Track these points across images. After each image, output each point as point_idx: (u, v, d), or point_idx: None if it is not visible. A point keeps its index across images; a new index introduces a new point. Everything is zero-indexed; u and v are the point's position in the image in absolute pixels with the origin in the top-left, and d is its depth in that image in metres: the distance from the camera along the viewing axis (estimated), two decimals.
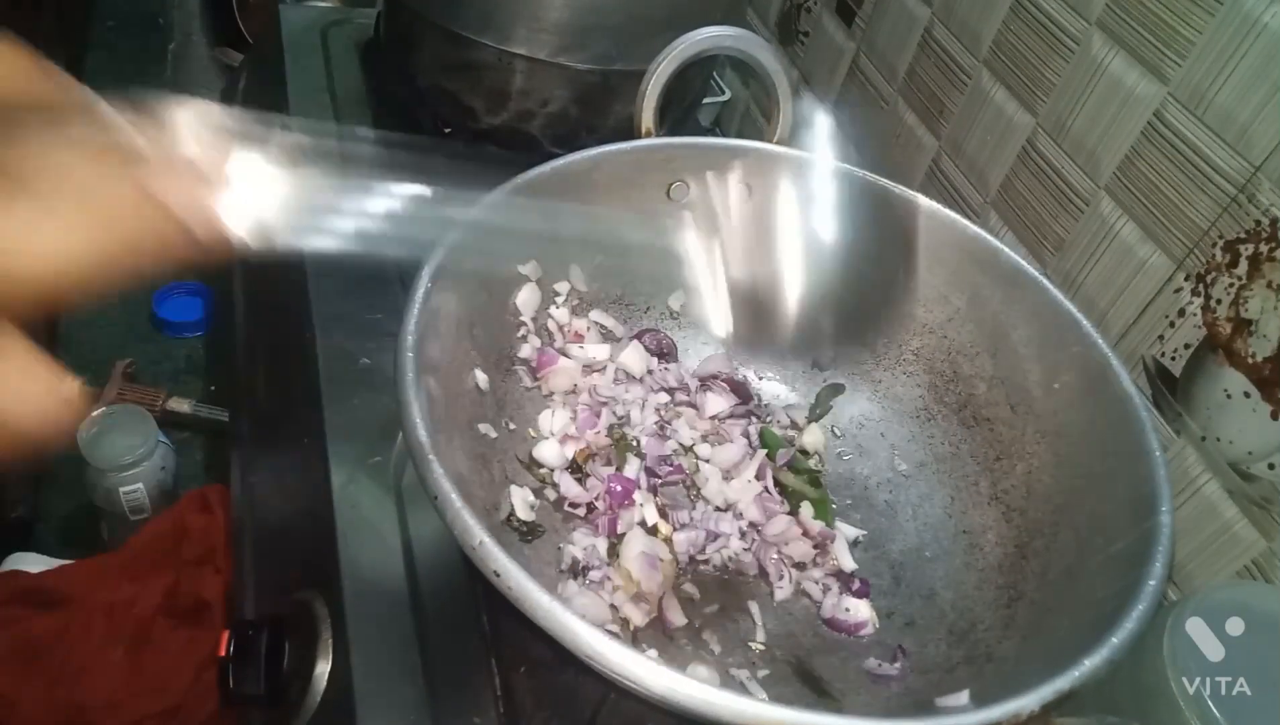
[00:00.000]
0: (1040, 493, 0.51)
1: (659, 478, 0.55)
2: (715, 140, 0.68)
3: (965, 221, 0.57)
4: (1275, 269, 0.47)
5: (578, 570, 0.49)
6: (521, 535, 0.49)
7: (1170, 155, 0.53)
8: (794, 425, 0.60)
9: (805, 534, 0.54)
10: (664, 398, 0.58)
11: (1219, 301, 0.50)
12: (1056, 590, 0.46)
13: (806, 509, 0.55)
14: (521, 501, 0.49)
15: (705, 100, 0.98)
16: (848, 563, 0.53)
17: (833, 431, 0.60)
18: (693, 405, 0.59)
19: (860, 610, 0.51)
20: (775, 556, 0.53)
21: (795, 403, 0.62)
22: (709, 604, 0.51)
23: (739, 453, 0.57)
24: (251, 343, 0.81)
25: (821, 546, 0.54)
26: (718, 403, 0.58)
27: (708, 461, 0.56)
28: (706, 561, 0.53)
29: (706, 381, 0.60)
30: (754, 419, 0.59)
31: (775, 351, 0.63)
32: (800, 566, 0.53)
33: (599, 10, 0.71)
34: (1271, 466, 0.46)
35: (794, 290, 0.62)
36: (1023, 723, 0.34)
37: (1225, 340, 0.49)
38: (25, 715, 0.69)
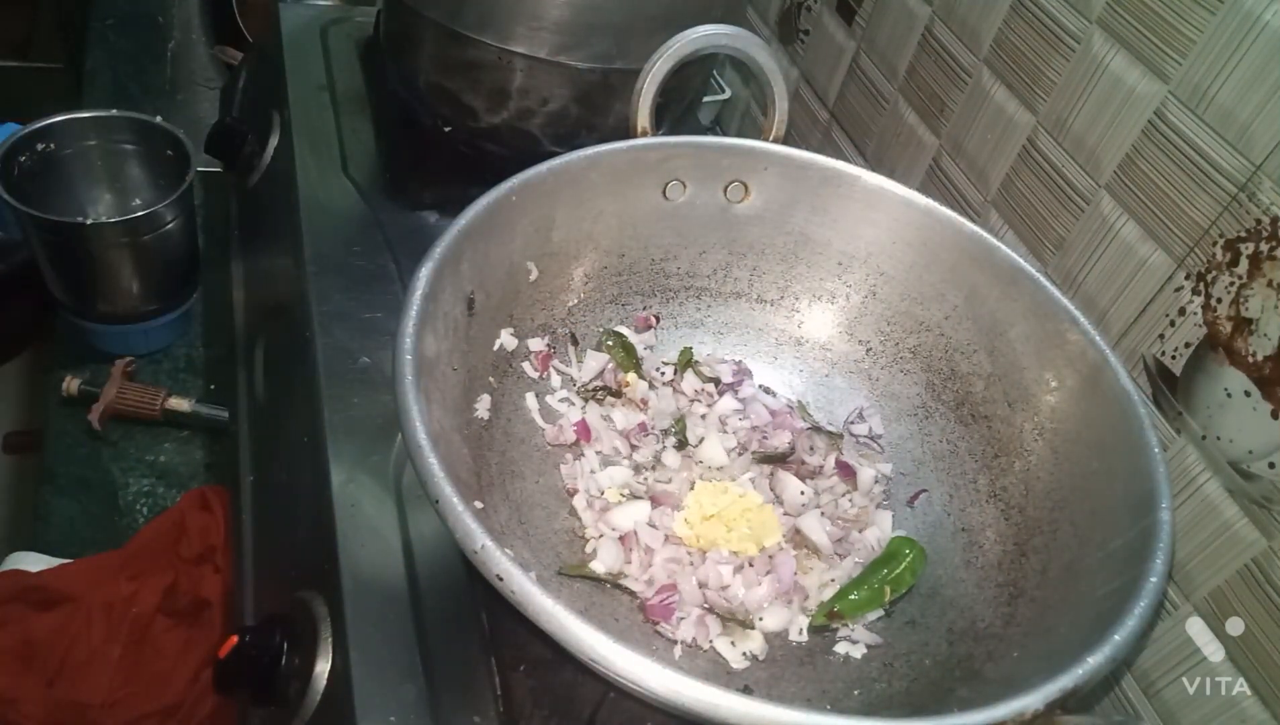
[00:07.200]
0: (1039, 490, 0.51)
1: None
2: (710, 139, 0.68)
3: (962, 219, 0.57)
4: (1276, 268, 0.47)
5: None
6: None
7: (1171, 154, 0.53)
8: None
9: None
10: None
11: (1219, 300, 0.50)
12: (1057, 588, 0.46)
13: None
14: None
15: (705, 99, 0.98)
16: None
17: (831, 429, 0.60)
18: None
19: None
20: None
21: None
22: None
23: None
24: (251, 342, 0.81)
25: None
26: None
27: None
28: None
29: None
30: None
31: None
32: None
33: (599, 9, 0.71)
34: (1272, 465, 0.46)
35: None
36: (1027, 721, 0.34)
37: (1225, 339, 0.49)
38: (24, 713, 0.69)
